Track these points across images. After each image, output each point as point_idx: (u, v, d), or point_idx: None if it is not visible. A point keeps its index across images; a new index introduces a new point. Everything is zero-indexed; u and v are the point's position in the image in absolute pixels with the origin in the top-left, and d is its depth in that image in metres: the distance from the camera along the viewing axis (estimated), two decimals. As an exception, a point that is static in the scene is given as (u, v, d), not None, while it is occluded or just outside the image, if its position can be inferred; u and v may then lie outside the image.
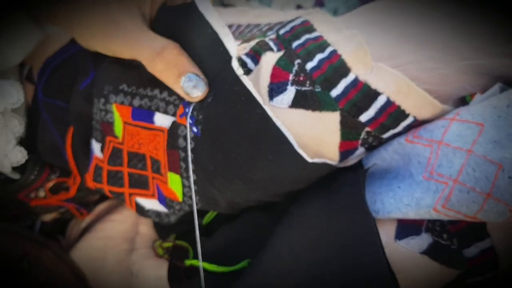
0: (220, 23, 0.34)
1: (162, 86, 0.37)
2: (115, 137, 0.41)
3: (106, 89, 0.40)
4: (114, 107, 0.40)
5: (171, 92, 0.38)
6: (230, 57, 0.34)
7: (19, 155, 0.46)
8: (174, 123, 0.38)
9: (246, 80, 0.34)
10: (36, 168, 0.49)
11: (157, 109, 0.38)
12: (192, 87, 0.35)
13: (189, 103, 0.36)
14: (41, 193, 0.50)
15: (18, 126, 0.45)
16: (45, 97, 0.46)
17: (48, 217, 0.54)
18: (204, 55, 0.36)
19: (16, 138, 0.46)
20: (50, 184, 0.50)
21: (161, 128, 0.38)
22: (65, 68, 0.47)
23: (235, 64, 0.33)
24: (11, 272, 0.42)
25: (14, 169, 0.47)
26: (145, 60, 0.35)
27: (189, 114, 0.36)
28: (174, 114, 0.38)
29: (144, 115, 0.39)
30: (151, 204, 0.44)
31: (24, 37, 0.43)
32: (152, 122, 0.39)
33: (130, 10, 0.36)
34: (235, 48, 0.34)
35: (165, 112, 0.38)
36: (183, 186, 0.40)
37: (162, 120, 0.38)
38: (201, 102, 0.36)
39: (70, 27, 0.37)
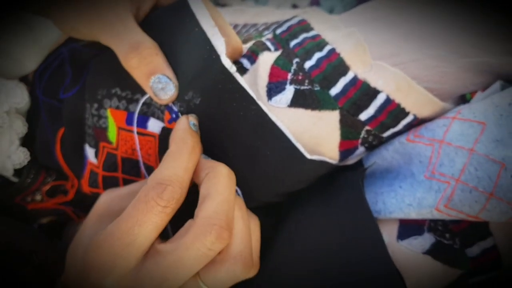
0: (210, 22, 0.33)
1: None
2: (109, 142, 0.40)
3: (100, 93, 0.39)
4: (108, 112, 0.39)
5: None
6: (217, 56, 0.33)
7: (22, 156, 0.45)
8: (164, 128, 0.37)
9: (239, 77, 0.33)
10: (32, 172, 0.48)
11: (152, 115, 0.38)
12: (160, 89, 0.34)
13: (173, 108, 0.36)
14: (38, 197, 0.50)
15: (22, 127, 0.45)
16: (45, 97, 0.45)
17: (45, 219, 0.53)
18: (189, 53, 0.35)
19: (19, 139, 0.45)
20: (47, 188, 0.49)
21: (152, 134, 0.38)
22: (63, 69, 0.46)
23: (226, 62, 0.33)
24: (22, 264, 0.42)
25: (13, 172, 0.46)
26: (120, 53, 0.35)
27: (179, 116, 0.35)
28: (162, 120, 0.37)
29: (138, 120, 0.38)
30: None
31: (39, 42, 0.43)
32: (145, 127, 0.38)
33: (120, 2, 0.35)
34: (223, 47, 0.33)
35: (159, 117, 0.37)
36: None
37: (154, 126, 0.38)
38: (188, 104, 0.35)
39: (51, 12, 0.36)
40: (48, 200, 0.51)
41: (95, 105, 0.39)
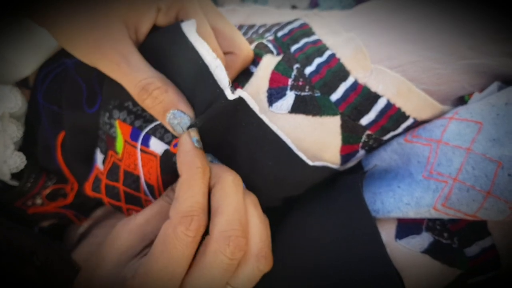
0: (210, 53, 0.33)
1: None
2: (116, 153, 0.40)
3: (112, 103, 0.39)
4: (117, 123, 0.39)
5: None
6: (221, 89, 0.32)
7: (18, 161, 0.45)
8: (166, 151, 0.37)
9: (246, 96, 0.33)
10: (33, 176, 0.48)
11: (154, 134, 0.38)
12: (176, 124, 0.34)
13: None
14: (38, 201, 0.50)
15: (16, 131, 0.45)
16: (45, 102, 0.46)
17: (46, 223, 0.54)
18: (193, 84, 0.35)
19: (14, 143, 0.45)
20: (47, 191, 0.50)
21: (154, 154, 0.38)
22: (65, 77, 0.46)
23: (228, 93, 0.32)
24: (24, 265, 0.42)
25: (12, 176, 0.46)
26: (132, 93, 0.35)
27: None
28: (168, 143, 0.37)
29: (141, 136, 0.38)
30: None
31: (37, 46, 0.43)
32: (147, 145, 0.38)
33: (116, 30, 0.34)
34: (226, 81, 0.32)
35: (161, 138, 0.37)
36: None
37: (156, 146, 0.37)
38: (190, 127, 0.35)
39: (56, 33, 0.36)
40: (48, 204, 0.51)
41: (107, 114, 0.40)
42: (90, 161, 0.44)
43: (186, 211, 0.31)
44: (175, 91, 0.34)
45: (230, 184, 0.33)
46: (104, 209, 0.55)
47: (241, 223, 0.31)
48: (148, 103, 0.34)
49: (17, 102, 0.44)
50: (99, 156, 0.43)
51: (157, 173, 0.38)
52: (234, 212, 0.31)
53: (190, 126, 0.34)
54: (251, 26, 0.43)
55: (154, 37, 0.35)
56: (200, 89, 0.34)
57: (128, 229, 0.34)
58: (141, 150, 0.38)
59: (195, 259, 0.32)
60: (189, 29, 0.33)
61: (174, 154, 0.36)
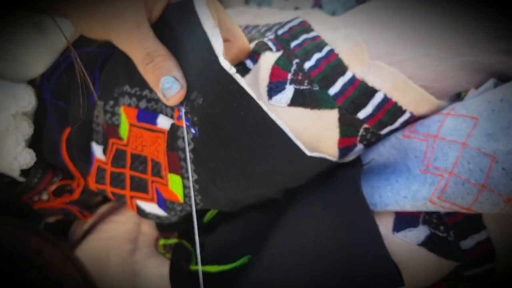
0: (210, 22, 0.34)
1: None
2: (120, 139, 0.41)
3: (116, 91, 0.40)
4: (122, 109, 0.40)
5: None
6: (216, 57, 0.33)
7: (28, 157, 0.46)
8: (173, 125, 0.38)
9: (239, 78, 0.34)
10: (39, 171, 0.49)
11: (161, 111, 0.39)
12: (167, 88, 0.35)
13: (181, 106, 0.37)
14: (44, 196, 0.50)
15: (27, 129, 0.46)
16: (53, 98, 0.46)
17: (51, 218, 0.54)
18: (193, 54, 0.36)
19: (25, 140, 0.46)
20: (53, 187, 0.50)
21: (162, 130, 0.39)
22: (72, 72, 0.47)
23: (225, 64, 0.33)
24: (28, 266, 0.42)
25: (20, 172, 0.47)
26: (136, 59, 0.36)
27: (183, 116, 0.36)
28: (172, 117, 0.38)
29: (148, 116, 0.39)
30: (151, 207, 0.44)
31: (50, 46, 0.44)
32: (155, 124, 0.39)
33: (135, 5, 0.36)
34: (221, 47, 0.33)
35: (166, 114, 0.39)
36: (184, 187, 0.40)
37: (164, 122, 0.39)
38: (192, 104, 0.36)
39: (69, 11, 0.37)
40: (54, 200, 0.51)
41: (111, 102, 0.41)
42: (88, 156, 0.45)
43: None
44: (175, 61, 0.36)
45: None
46: (108, 206, 0.56)
47: None
48: (149, 68, 0.35)
49: (30, 100, 0.44)
50: (96, 148, 0.44)
51: (164, 150, 0.39)
52: None
53: (192, 101, 0.35)
54: (255, 26, 0.44)
55: (164, 13, 0.37)
56: (197, 55, 0.35)
57: None
58: (148, 129, 0.39)
59: None
60: (199, 2, 0.35)
61: (179, 127, 0.37)
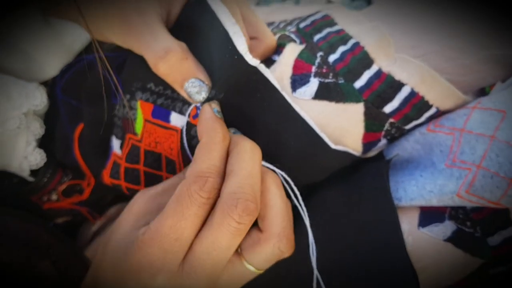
0: (230, 20, 0.34)
1: None
2: (135, 134, 0.41)
3: (134, 86, 0.40)
4: (138, 104, 0.40)
5: None
6: (240, 55, 0.33)
7: (38, 157, 0.46)
8: (188, 123, 0.38)
9: (263, 68, 0.34)
10: (49, 171, 0.49)
11: (174, 109, 0.38)
12: (195, 92, 0.34)
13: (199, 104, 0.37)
14: (54, 196, 0.50)
15: (38, 129, 0.45)
16: (64, 96, 0.46)
17: (60, 219, 0.54)
18: (214, 53, 0.35)
19: (36, 140, 0.46)
20: (63, 187, 0.50)
21: (175, 128, 0.38)
22: (85, 71, 0.47)
23: (249, 59, 0.33)
24: (41, 259, 0.42)
25: (30, 172, 0.47)
26: (149, 62, 0.35)
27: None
28: (185, 114, 0.38)
29: (162, 113, 0.39)
30: None
31: (66, 48, 0.43)
32: (168, 121, 0.39)
33: (148, 6, 0.36)
34: (245, 45, 0.33)
35: (181, 112, 0.38)
36: None
37: (177, 120, 0.38)
38: (212, 99, 0.36)
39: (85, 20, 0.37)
40: (63, 200, 0.51)
41: (128, 96, 0.40)
42: (107, 150, 0.45)
43: (202, 172, 0.31)
44: (195, 60, 0.35)
45: (247, 150, 0.32)
46: (118, 207, 0.55)
47: (253, 189, 0.31)
48: (164, 70, 0.35)
49: (42, 99, 0.44)
50: (115, 143, 0.43)
51: (178, 148, 0.38)
52: (247, 176, 0.31)
53: (210, 99, 0.34)
54: (270, 23, 0.44)
55: (183, 13, 0.37)
56: (219, 55, 0.34)
57: (146, 196, 0.35)
58: (162, 126, 0.39)
59: (205, 222, 0.31)
60: (214, 1, 0.34)
61: (194, 126, 0.37)
